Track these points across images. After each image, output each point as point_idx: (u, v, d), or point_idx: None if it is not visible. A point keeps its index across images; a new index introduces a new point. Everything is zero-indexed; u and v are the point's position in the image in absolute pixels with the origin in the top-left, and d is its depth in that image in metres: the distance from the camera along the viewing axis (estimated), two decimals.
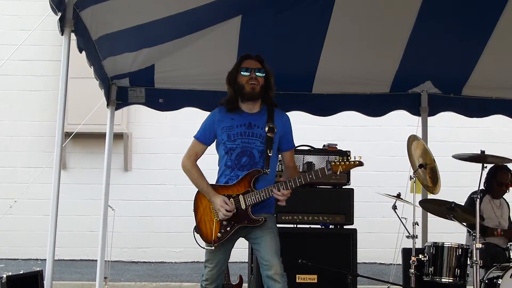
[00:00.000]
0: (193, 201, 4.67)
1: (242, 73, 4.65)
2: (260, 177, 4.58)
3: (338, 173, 4.53)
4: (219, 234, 4.55)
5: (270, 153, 4.60)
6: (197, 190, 4.68)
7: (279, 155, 4.82)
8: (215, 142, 4.76)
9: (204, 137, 4.72)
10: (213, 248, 4.54)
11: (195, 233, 4.61)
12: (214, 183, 4.68)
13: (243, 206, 4.54)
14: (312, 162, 6.27)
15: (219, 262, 4.64)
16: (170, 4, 5.43)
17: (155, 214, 9.74)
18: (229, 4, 5.79)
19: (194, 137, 4.76)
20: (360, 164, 4.58)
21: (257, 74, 4.65)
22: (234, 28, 6.03)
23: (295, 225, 6.15)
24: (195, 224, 4.63)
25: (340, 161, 4.53)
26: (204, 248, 4.62)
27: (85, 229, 9.35)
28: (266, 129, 4.63)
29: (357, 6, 5.95)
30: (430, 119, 7.04)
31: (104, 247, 6.44)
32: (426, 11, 5.88)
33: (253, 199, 4.53)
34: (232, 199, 4.54)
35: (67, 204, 8.22)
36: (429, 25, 6.02)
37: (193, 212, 4.65)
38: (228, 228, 4.55)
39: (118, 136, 9.18)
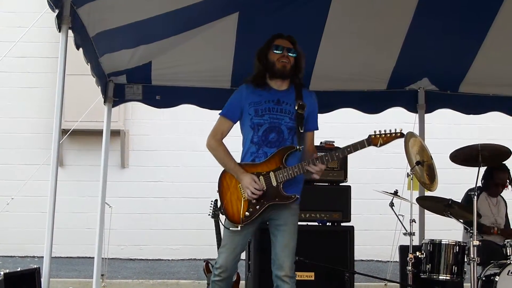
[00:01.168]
0: (218, 182, 4.52)
1: (274, 50, 4.59)
2: (291, 154, 4.47)
3: (378, 145, 4.49)
4: (247, 213, 4.41)
5: (301, 129, 4.51)
6: (222, 169, 4.55)
7: None
8: (239, 123, 4.64)
9: (231, 113, 4.59)
10: (238, 228, 4.39)
11: (220, 215, 4.50)
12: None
13: (274, 183, 4.42)
14: None
15: (236, 247, 4.49)
16: (167, 1, 5.43)
17: (152, 211, 9.74)
18: (226, 1, 5.79)
19: (220, 114, 4.63)
20: (402, 135, 4.54)
21: (289, 53, 4.59)
22: (231, 25, 6.03)
23: None
24: (220, 205, 4.50)
25: (380, 133, 4.50)
26: (228, 228, 4.45)
27: (82, 227, 9.34)
28: (296, 106, 4.53)
29: (354, 3, 5.95)
30: (427, 116, 7.05)
31: (101, 245, 6.45)
32: (423, 8, 5.89)
33: (285, 175, 4.41)
34: (262, 177, 4.42)
35: (64, 201, 8.21)
36: (426, 22, 6.03)
37: (218, 193, 4.52)
38: (258, 207, 4.43)
39: (115, 133, 9.18)
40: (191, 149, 9.46)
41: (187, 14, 5.57)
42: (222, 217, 4.55)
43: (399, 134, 4.53)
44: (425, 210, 6.50)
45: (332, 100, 6.92)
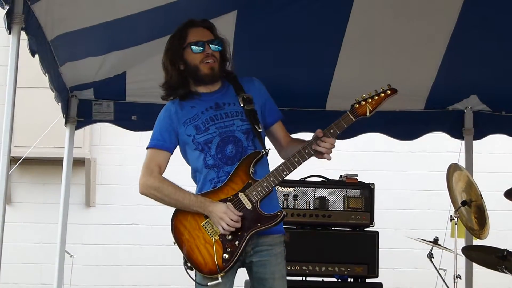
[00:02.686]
0: (171, 229, 4.38)
1: (192, 48, 4.46)
2: (258, 163, 4.35)
3: (368, 115, 4.36)
4: (225, 255, 4.23)
5: (259, 128, 4.39)
6: (173, 212, 4.42)
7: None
8: (179, 151, 4.55)
9: (163, 141, 4.49)
10: (219, 280, 4.21)
11: (188, 270, 4.31)
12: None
13: (249, 206, 4.26)
14: (325, 197, 6.28)
15: None
16: None
17: (125, 262, 9.70)
18: None
19: (148, 147, 4.56)
20: (393, 91, 4.40)
21: (212, 47, 4.48)
22: (227, 26, 6.03)
23: (303, 278, 6.14)
24: (183, 259, 4.33)
25: (364, 98, 4.36)
26: (206, 285, 4.27)
27: (35, 281, 9.30)
28: (241, 102, 4.44)
29: (383, 0, 5.98)
30: (476, 144, 7.05)
31: None
32: (472, 4, 5.86)
33: (260, 191, 4.25)
34: (229, 203, 4.26)
35: (12, 249, 8.19)
36: (476, 22, 6.02)
37: (176, 244, 4.37)
38: (237, 242, 4.25)
39: (78, 163, 9.16)
40: (179, 183, 9.45)
41: (172, 12, 5.58)
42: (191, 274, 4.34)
43: (389, 91, 4.40)
44: (473, 263, 6.47)
45: (354, 124, 6.87)
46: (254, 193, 4.27)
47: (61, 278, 6.42)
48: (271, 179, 4.28)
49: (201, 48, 4.46)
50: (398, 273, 9.03)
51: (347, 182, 6.38)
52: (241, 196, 4.28)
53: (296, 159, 4.29)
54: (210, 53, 4.45)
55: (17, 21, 4.64)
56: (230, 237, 4.26)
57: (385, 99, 4.39)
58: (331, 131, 4.32)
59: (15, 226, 8.92)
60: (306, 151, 4.30)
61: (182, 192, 4.39)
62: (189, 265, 4.32)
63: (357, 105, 4.37)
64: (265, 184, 4.27)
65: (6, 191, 4.60)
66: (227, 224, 4.22)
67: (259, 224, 4.27)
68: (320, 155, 4.34)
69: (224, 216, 4.22)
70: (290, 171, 4.31)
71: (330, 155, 4.34)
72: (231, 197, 4.29)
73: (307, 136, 6.09)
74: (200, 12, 5.85)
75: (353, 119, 4.36)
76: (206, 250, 4.28)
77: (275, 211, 4.30)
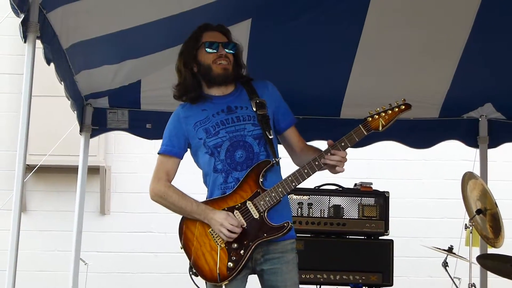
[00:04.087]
0: (179, 234, 4.41)
1: (206, 49, 4.47)
2: (269, 171, 4.33)
3: (380, 129, 4.32)
4: (230, 264, 4.22)
5: (270, 135, 4.36)
6: (181, 218, 4.44)
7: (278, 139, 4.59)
8: (191, 155, 4.55)
9: (172, 147, 4.49)
10: (223, 287, 4.22)
11: (192, 276, 4.32)
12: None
13: (256, 215, 4.24)
14: (340, 205, 6.26)
15: None
16: (162, 5, 5.46)
17: (140, 269, 9.70)
18: (235, 5, 5.83)
19: (158, 153, 4.56)
20: (407, 107, 4.35)
21: (226, 50, 4.48)
22: (241, 34, 6.03)
23: (318, 286, 6.13)
24: (189, 264, 4.35)
25: (378, 112, 4.32)
26: None
27: None
28: (254, 106, 4.41)
29: (397, 8, 5.97)
30: (491, 152, 7.03)
31: None
32: (486, 11, 5.85)
33: (268, 200, 4.24)
34: (237, 211, 4.27)
35: (27, 256, 8.20)
36: (490, 30, 6.01)
37: (183, 249, 4.39)
38: (242, 251, 4.24)
39: (93, 171, 9.18)
40: (189, 191, 9.45)
41: (186, 21, 5.59)
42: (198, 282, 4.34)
43: (403, 106, 4.35)
44: (488, 272, 6.45)
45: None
46: (262, 202, 4.26)
47: (76, 286, 6.43)
48: (280, 189, 4.27)
49: (215, 49, 4.46)
50: (412, 282, 9.01)
51: (362, 190, 6.37)
52: (249, 205, 4.28)
53: (306, 171, 4.28)
54: (224, 54, 4.46)
55: (32, 30, 4.66)
56: (235, 245, 4.26)
57: (399, 114, 4.36)
58: (342, 144, 4.32)
59: (30, 234, 8.94)
60: (316, 163, 4.29)
61: (186, 199, 4.41)
62: (194, 271, 4.33)
63: (370, 119, 4.34)
64: (273, 194, 4.26)
65: (21, 199, 4.61)
66: (227, 230, 4.21)
67: (265, 235, 4.26)
68: (332, 168, 4.34)
69: (224, 222, 4.22)
70: (299, 183, 4.29)
71: (343, 167, 4.33)
72: (239, 205, 4.29)
73: (321, 144, 6.10)
74: (215, 21, 5.86)
75: (365, 133, 4.34)
76: (212, 257, 4.29)
77: (282, 222, 4.29)
